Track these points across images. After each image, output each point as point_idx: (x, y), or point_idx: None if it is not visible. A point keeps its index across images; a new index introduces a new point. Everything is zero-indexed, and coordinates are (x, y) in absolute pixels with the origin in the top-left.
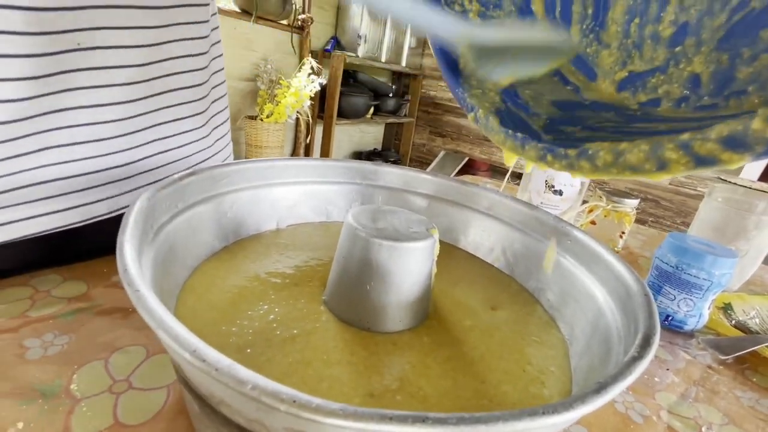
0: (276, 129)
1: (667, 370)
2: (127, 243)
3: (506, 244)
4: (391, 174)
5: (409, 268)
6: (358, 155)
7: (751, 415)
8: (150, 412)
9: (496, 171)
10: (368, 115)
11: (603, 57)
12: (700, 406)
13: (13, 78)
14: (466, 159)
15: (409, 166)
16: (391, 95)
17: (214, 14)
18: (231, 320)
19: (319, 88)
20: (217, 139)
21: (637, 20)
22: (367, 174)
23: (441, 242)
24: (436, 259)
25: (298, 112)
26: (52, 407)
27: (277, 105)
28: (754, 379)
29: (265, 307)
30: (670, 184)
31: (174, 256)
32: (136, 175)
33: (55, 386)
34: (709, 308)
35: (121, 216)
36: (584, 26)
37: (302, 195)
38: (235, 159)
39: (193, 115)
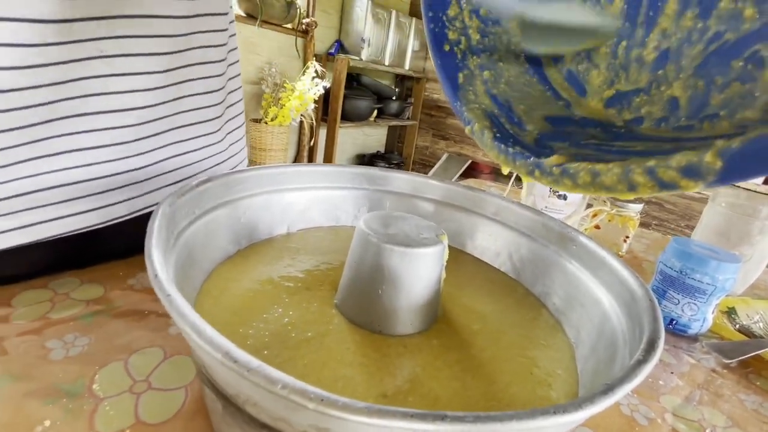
0: (280, 132)
1: (672, 373)
2: (155, 249)
3: (512, 248)
4: (399, 179)
5: (419, 273)
6: (361, 158)
7: (754, 418)
8: (170, 411)
9: (499, 174)
10: (371, 118)
11: (593, 76)
12: (704, 409)
13: (41, 85)
14: (469, 162)
15: (412, 168)
16: (394, 98)
17: (232, 22)
18: (247, 323)
19: (323, 92)
20: (232, 144)
21: (624, 43)
22: (375, 179)
23: (448, 247)
24: (445, 264)
25: (302, 115)
26: (76, 406)
27: (282, 108)
28: (758, 383)
29: (280, 310)
30: None
31: (192, 261)
32: (153, 177)
33: (78, 386)
34: (713, 312)
35: (138, 218)
36: None
37: (312, 200)
38: None
39: (209, 120)
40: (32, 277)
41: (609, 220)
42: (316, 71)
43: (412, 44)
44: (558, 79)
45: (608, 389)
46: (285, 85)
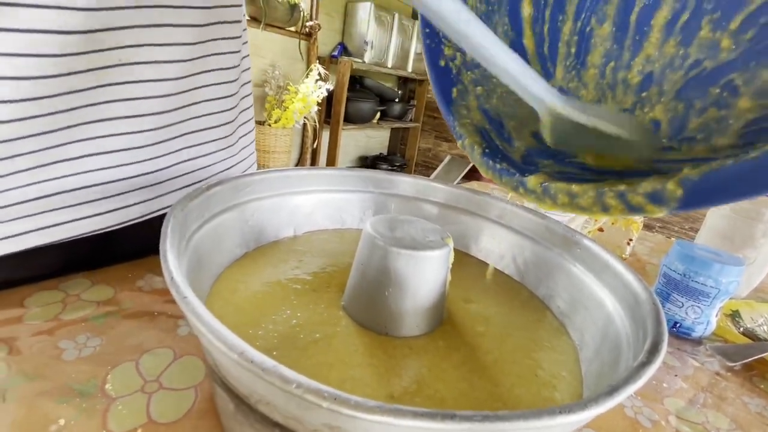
0: (283, 134)
1: (676, 376)
2: (170, 252)
3: (516, 251)
4: (404, 183)
5: (425, 275)
6: (364, 160)
7: (758, 421)
8: (181, 410)
9: None
10: (374, 120)
11: (582, 95)
12: (708, 411)
13: (61, 93)
14: (472, 164)
15: (414, 170)
16: (397, 100)
17: (245, 30)
18: (256, 324)
19: (326, 94)
20: (243, 148)
21: (612, 64)
22: (380, 183)
23: (453, 250)
24: (450, 267)
25: (305, 117)
26: (89, 405)
27: (285, 110)
28: (762, 386)
29: (288, 311)
30: None
31: (201, 263)
32: (167, 180)
33: (90, 386)
34: (716, 315)
35: (151, 220)
36: (568, 63)
37: (318, 203)
38: None
39: (223, 125)
40: (45, 279)
41: (612, 223)
42: (319, 74)
43: (414, 46)
44: None
45: (612, 390)
46: (288, 87)
